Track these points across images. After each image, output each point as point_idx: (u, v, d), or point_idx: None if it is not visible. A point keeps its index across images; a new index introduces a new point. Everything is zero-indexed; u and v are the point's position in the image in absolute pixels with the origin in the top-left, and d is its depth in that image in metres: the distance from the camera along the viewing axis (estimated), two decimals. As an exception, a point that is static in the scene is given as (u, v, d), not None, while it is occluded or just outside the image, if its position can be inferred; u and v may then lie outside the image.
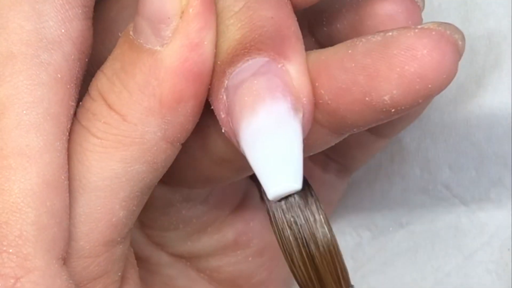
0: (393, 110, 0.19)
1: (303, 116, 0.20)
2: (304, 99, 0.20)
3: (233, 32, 0.20)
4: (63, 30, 0.20)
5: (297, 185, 0.20)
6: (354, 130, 0.21)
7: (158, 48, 0.20)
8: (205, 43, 0.20)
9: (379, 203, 0.31)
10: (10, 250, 0.19)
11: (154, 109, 0.20)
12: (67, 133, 0.20)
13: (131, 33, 0.20)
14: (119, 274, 0.22)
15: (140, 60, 0.20)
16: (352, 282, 0.21)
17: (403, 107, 0.19)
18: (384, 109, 0.19)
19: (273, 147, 0.19)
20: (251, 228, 0.29)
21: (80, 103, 0.21)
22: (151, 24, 0.20)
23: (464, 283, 0.30)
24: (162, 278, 0.28)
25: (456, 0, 0.28)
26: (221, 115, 0.20)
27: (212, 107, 0.21)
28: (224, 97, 0.20)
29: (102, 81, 0.21)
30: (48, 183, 0.19)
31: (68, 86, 0.20)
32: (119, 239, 0.21)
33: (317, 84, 0.20)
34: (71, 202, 0.20)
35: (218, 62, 0.20)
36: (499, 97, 0.28)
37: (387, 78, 0.19)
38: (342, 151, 0.29)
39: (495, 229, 0.30)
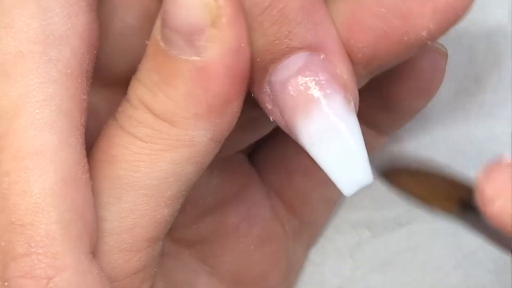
0: (429, 42, 0.20)
1: (354, 102, 0.20)
2: (350, 83, 0.20)
3: (268, 29, 0.20)
4: (69, 25, 0.20)
5: (370, 178, 0.20)
6: (389, 67, 0.21)
7: (195, 58, 0.19)
8: (242, 45, 0.19)
9: (378, 202, 0.31)
10: (39, 251, 0.19)
11: (202, 114, 0.20)
12: (82, 128, 0.20)
13: (161, 44, 0.20)
14: (155, 269, 0.23)
15: (179, 72, 0.20)
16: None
17: (438, 36, 0.20)
18: (422, 44, 0.20)
19: (337, 145, 0.20)
20: (253, 214, 0.29)
21: (119, 109, 0.21)
22: (183, 36, 0.19)
23: (464, 282, 0.30)
24: (161, 270, 0.28)
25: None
26: (267, 106, 0.21)
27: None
28: (268, 90, 0.20)
29: (141, 90, 0.20)
30: (66, 180, 0.19)
31: (79, 81, 0.20)
32: (161, 235, 0.22)
33: (352, 41, 0.20)
34: (117, 198, 0.21)
35: (258, 59, 0.20)
36: (499, 97, 0.28)
37: (421, 15, 0.20)
38: None
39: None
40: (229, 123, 0.21)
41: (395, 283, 0.31)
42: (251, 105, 0.21)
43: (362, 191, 0.31)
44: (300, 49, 0.20)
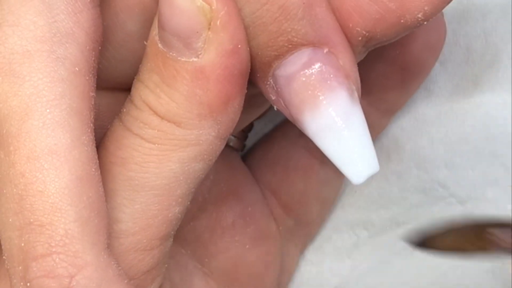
0: (425, 22, 0.21)
1: (357, 91, 0.21)
2: (352, 73, 0.21)
3: (270, 25, 0.20)
4: (75, 22, 0.20)
5: (377, 167, 0.21)
6: (387, 43, 0.22)
7: (194, 59, 0.20)
8: (239, 46, 0.20)
9: (376, 202, 0.31)
10: (59, 250, 0.19)
11: (205, 114, 0.20)
12: (91, 125, 0.20)
13: (160, 45, 0.20)
14: (166, 265, 0.23)
15: (179, 74, 0.20)
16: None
17: (433, 16, 0.20)
18: (418, 24, 0.21)
19: (345, 138, 0.20)
20: (249, 213, 0.29)
21: (123, 109, 0.21)
22: (181, 39, 0.20)
23: (461, 282, 0.30)
24: None
25: (453, -1, 0.28)
26: (271, 97, 0.21)
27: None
28: (272, 82, 0.21)
29: (145, 92, 0.21)
30: (81, 178, 0.19)
31: (87, 78, 0.20)
32: (172, 232, 0.22)
33: (351, 25, 0.21)
34: (130, 199, 0.21)
35: (260, 54, 0.20)
36: (496, 97, 0.28)
37: None
38: None
39: (491, 228, 0.30)
40: (232, 120, 0.21)
41: (392, 282, 0.31)
42: (249, 82, 0.21)
43: (360, 191, 0.31)
44: (303, 45, 0.20)
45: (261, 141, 0.31)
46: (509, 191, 0.29)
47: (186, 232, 0.28)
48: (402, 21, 0.20)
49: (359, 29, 0.21)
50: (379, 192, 0.31)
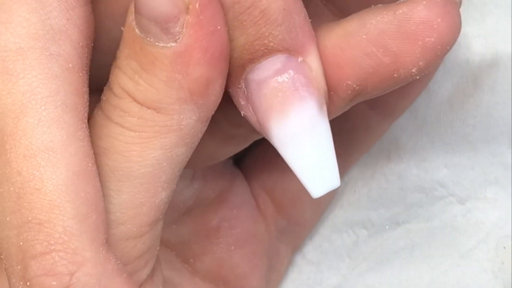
0: (418, 77, 0.21)
1: (326, 105, 0.21)
2: (323, 86, 0.21)
3: (249, 28, 0.20)
4: (67, 19, 0.20)
5: (338, 182, 0.21)
6: (372, 97, 0.22)
7: (172, 44, 0.19)
8: (218, 27, 0.19)
9: (375, 201, 0.31)
10: (59, 248, 0.19)
11: (185, 99, 0.20)
12: (86, 121, 0.20)
13: (137, 31, 0.20)
14: (158, 248, 0.23)
15: (157, 59, 0.19)
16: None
17: (427, 71, 0.21)
18: (411, 79, 0.21)
19: (309, 148, 0.20)
20: (234, 215, 0.30)
21: (103, 97, 0.21)
22: (158, 24, 0.19)
23: (460, 281, 0.31)
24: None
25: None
26: (240, 102, 0.21)
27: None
28: (243, 86, 0.21)
29: (123, 79, 0.20)
30: (78, 174, 0.19)
31: (80, 74, 0.20)
32: (161, 216, 0.22)
33: (341, 77, 0.21)
34: (116, 190, 0.21)
35: (236, 57, 0.20)
36: (496, 97, 0.28)
37: (412, 53, 0.20)
38: (347, 136, 0.29)
39: (491, 227, 0.30)
40: (213, 102, 0.20)
41: (392, 282, 0.31)
42: (231, 123, 0.22)
43: (359, 190, 0.31)
44: (278, 51, 0.20)
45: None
46: (509, 190, 0.29)
47: (170, 234, 0.28)
48: (395, 75, 0.20)
49: (350, 82, 0.21)
50: (379, 191, 0.31)
